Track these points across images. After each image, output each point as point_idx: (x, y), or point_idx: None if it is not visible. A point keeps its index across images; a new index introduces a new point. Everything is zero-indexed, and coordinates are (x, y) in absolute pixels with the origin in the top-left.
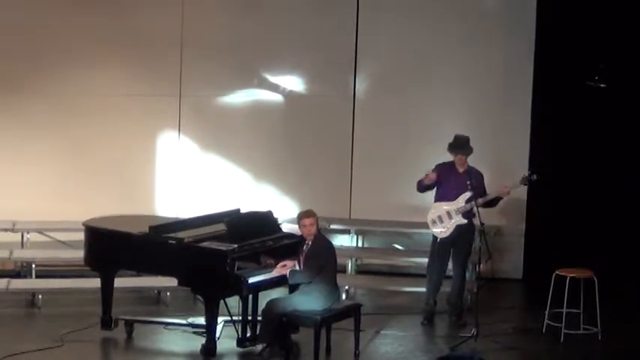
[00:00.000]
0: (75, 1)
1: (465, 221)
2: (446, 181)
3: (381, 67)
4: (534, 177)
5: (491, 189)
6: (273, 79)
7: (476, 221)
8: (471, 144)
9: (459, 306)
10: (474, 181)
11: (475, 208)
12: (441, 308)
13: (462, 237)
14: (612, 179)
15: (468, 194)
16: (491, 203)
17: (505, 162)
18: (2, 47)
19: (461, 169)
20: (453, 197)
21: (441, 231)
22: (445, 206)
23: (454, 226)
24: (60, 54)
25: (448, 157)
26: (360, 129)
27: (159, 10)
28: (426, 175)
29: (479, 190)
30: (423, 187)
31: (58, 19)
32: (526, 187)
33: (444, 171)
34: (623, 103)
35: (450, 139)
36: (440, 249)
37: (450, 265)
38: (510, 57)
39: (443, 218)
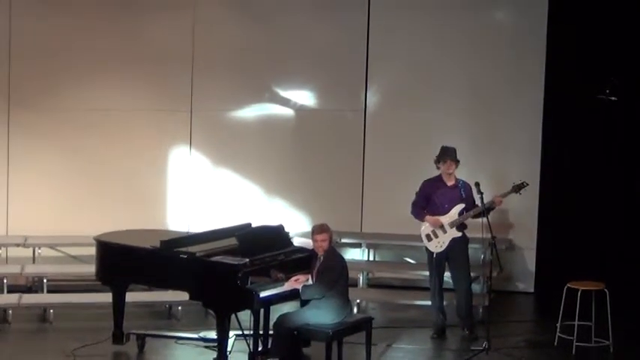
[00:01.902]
0: (87, 19)
1: (460, 234)
2: (436, 196)
3: (391, 81)
4: (525, 184)
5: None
6: (284, 93)
7: (468, 233)
8: (483, 158)
9: (470, 319)
10: (463, 193)
11: (487, 220)
12: (452, 321)
13: (457, 250)
14: (624, 192)
15: (460, 206)
16: (484, 213)
17: (516, 176)
18: (16, 64)
19: (450, 182)
20: (445, 211)
21: (436, 246)
22: (439, 218)
23: (449, 239)
24: (71, 71)
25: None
26: (371, 143)
27: (170, 26)
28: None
29: (469, 202)
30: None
31: (71, 38)
32: (518, 194)
33: (432, 186)
34: (634, 117)
35: (462, 152)
36: (436, 263)
37: (449, 278)
38: (521, 71)
39: (437, 233)
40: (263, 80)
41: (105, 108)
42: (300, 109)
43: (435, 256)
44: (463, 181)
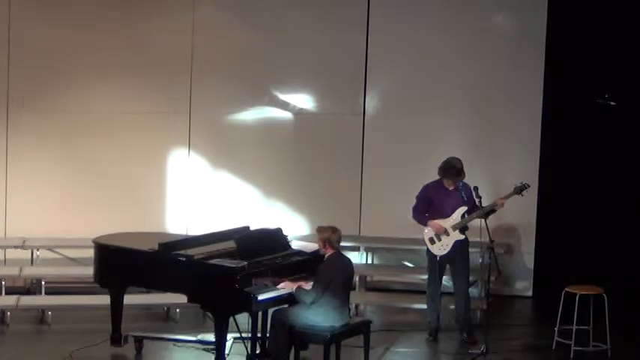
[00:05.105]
0: (86, 21)
1: (463, 237)
2: (437, 200)
3: (391, 84)
4: (526, 185)
5: (489, 202)
6: (283, 96)
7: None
8: (482, 162)
9: (469, 322)
10: (464, 195)
11: (485, 224)
12: (449, 325)
13: (459, 253)
14: (622, 197)
15: (463, 209)
16: (486, 215)
17: (515, 179)
18: (16, 67)
19: (450, 187)
20: (448, 214)
21: (440, 249)
22: (442, 223)
23: (452, 242)
24: (70, 73)
25: None
26: (370, 146)
27: (169, 28)
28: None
29: (470, 204)
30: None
31: (70, 40)
32: (520, 196)
33: (433, 190)
34: (633, 121)
35: (461, 156)
36: (439, 266)
37: (447, 282)
38: (520, 74)
39: (440, 236)
40: (262, 83)
41: (103, 110)
42: (299, 113)
43: (438, 259)
44: (463, 182)
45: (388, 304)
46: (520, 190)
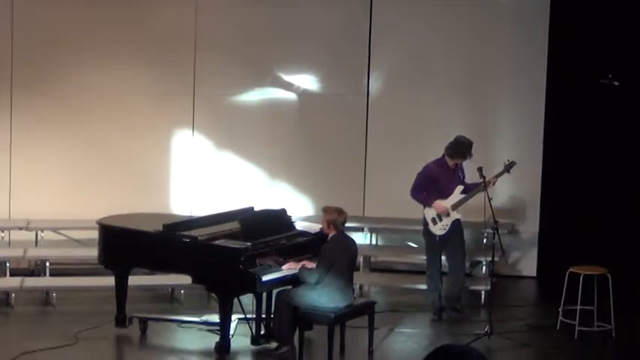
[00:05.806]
0: (90, 3)
1: (460, 215)
2: (443, 179)
3: (394, 64)
4: (513, 163)
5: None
6: (286, 77)
7: (470, 217)
8: (485, 142)
9: (460, 298)
10: (460, 175)
11: (490, 204)
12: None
13: (456, 231)
14: (626, 177)
15: (460, 188)
16: (485, 195)
17: (518, 160)
18: (20, 49)
19: (453, 166)
20: (450, 193)
21: (441, 228)
22: (444, 203)
23: (451, 221)
24: (74, 55)
25: None
26: (373, 127)
27: (172, 8)
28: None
29: (464, 182)
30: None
31: (74, 21)
32: (509, 173)
33: (438, 170)
34: (636, 101)
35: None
36: (440, 246)
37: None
38: (524, 55)
39: (442, 216)
40: (266, 64)
41: (107, 92)
42: (303, 93)
43: (438, 239)
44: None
45: (392, 285)
46: (509, 167)
